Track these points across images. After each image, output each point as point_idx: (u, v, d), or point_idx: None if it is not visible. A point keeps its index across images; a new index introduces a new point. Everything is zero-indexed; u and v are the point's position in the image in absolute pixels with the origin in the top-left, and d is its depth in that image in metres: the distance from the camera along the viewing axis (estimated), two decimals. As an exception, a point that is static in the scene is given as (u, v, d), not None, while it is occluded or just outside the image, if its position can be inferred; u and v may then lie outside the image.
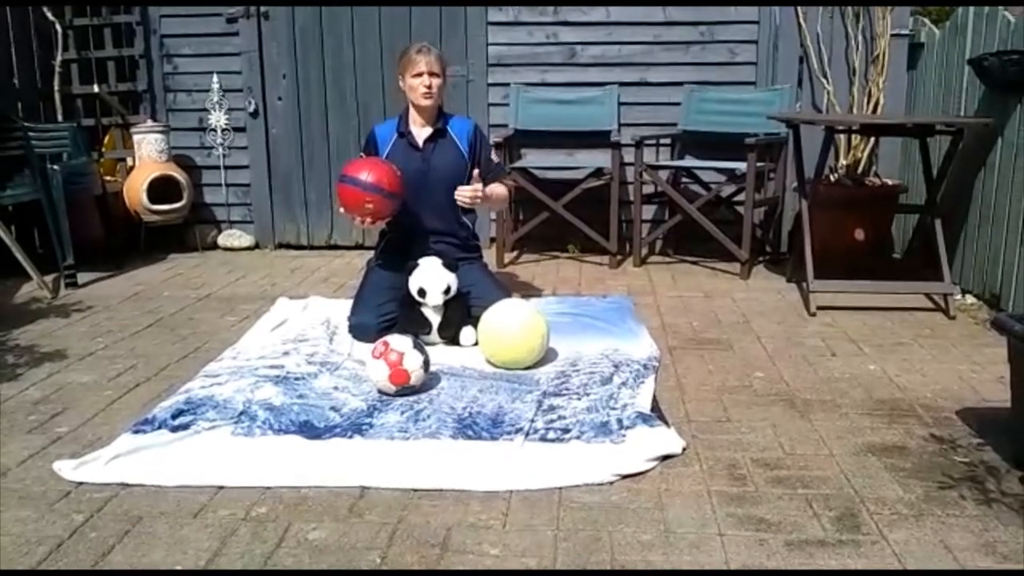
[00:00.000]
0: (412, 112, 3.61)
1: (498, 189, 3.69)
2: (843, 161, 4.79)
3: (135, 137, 5.11)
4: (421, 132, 3.61)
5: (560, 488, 2.20)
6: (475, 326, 3.24)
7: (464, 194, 3.45)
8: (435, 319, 3.33)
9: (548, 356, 3.15)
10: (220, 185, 5.42)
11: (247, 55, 5.21)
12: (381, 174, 3.31)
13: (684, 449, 2.42)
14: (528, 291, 4.29)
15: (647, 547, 1.93)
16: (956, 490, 2.19)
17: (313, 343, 3.33)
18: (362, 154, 3.66)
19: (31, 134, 4.55)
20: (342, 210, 3.40)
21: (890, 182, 4.67)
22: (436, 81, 3.51)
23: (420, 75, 3.48)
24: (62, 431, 2.60)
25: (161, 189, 5.05)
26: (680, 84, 4.98)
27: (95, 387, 2.98)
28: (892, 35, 4.75)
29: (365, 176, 3.29)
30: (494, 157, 3.74)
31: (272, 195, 5.39)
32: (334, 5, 5.09)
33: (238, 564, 1.88)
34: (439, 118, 3.62)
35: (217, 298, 4.23)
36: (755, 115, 4.70)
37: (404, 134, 3.60)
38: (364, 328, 3.37)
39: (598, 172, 4.84)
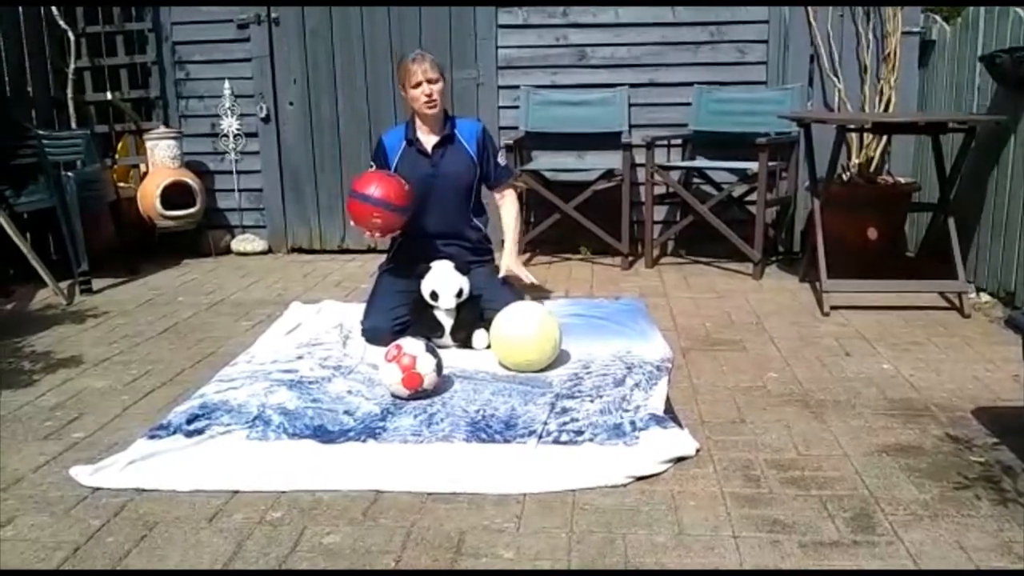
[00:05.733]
0: (418, 120, 3.62)
1: (511, 223, 3.79)
2: (855, 160, 4.77)
3: (148, 143, 5.14)
4: (429, 138, 3.62)
5: (574, 490, 2.20)
6: (487, 329, 3.25)
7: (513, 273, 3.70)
8: (447, 322, 3.34)
9: (561, 358, 3.15)
10: (233, 190, 5.44)
11: (258, 61, 5.23)
12: (388, 188, 3.35)
13: (698, 451, 2.41)
14: (540, 293, 4.29)
15: (661, 549, 1.93)
16: (972, 490, 2.18)
17: (326, 347, 3.34)
18: (372, 164, 3.67)
19: (45, 142, 4.59)
20: (353, 223, 3.45)
21: (903, 180, 4.65)
22: (436, 87, 3.51)
23: (419, 84, 3.49)
24: (78, 437, 2.61)
25: (174, 195, 5.08)
26: (690, 84, 4.97)
27: (110, 392, 3.00)
28: (903, 33, 4.73)
29: (372, 191, 3.34)
30: (501, 160, 3.75)
31: (284, 199, 5.41)
32: (345, 5, 5.11)
33: (253, 568, 1.89)
34: (446, 123, 3.63)
35: (231, 303, 4.25)
36: (766, 114, 4.69)
37: (412, 141, 3.61)
38: (377, 332, 3.38)
39: (609, 173, 4.84)
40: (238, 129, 5.35)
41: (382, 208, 3.32)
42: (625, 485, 2.23)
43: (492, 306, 3.30)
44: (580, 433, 2.51)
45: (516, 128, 5.06)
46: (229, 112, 5.32)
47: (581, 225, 4.83)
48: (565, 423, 2.58)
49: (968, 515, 2.06)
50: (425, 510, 2.13)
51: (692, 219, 4.75)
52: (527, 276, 3.72)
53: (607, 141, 4.96)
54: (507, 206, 3.79)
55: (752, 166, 4.49)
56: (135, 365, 3.30)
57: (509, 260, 3.71)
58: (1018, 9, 3.77)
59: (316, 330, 3.58)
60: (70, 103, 5.22)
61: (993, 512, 2.07)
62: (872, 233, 4.31)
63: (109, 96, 5.33)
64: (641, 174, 4.88)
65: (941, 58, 4.68)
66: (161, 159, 5.11)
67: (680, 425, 2.56)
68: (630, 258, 4.87)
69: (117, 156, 5.41)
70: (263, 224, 5.48)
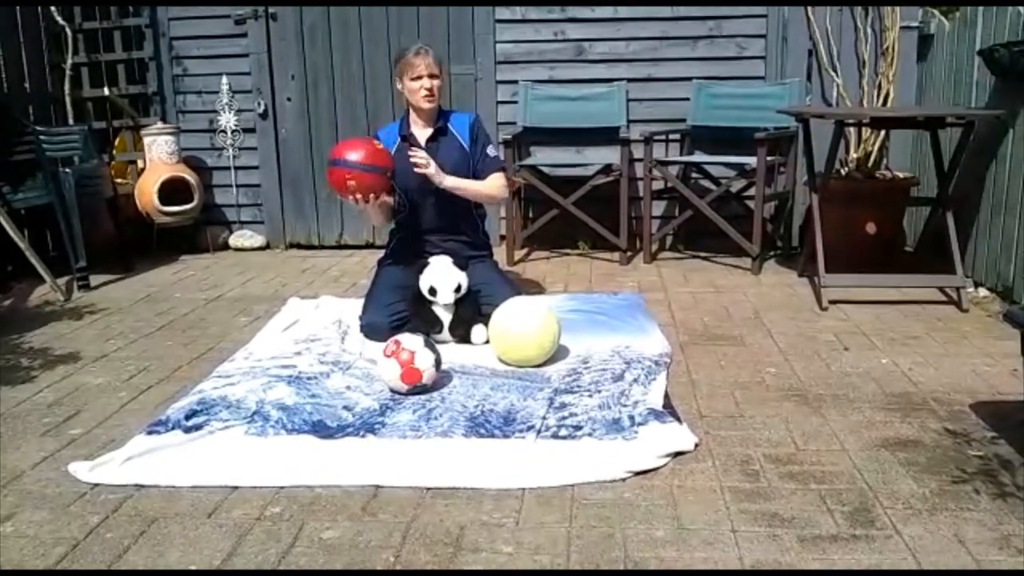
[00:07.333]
0: (412, 114, 3.62)
1: (476, 185, 3.59)
2: (854, 154, 4.76)
3: (146, 139, 5.13)
4: (423, 132, 3.62)
5: (573, 485, 2.20)
6: (486, 324, 3.25)
7: (417, 156, 3.40)
8: (446, 318, 3.34)
9: (559, 353, 3.15)
10: (231, 186, 5.44)
11: (256, 56, 5.23)
12: (356, 148, 3.32)
13: (696, 445, 2.41)
14: (538, 289, 4.29)
15: (660, 544, 1.93)
16: (970, 484, 2.18)
17: (325, 343, 3.34)
18: None
19: (42, 138, 4.58)
20: (338, 195, 3.41)
21: (901, 175, 4.64)
22: (436, 83, 3.51)
23: (419, 78, 3.49)
24: (76, 433, 2.61)
25: (172, 191, 5.08)
26: (688, 79, 4.97)
27: (109, 389, 3.00)
28: (901, 27, 4.71)
29: (345, 154, 3.31)
30: (491, 151, 3.69)
31: (282, 195, 5.40)
32: (342, 5, 5.10)
33: (252, 564, 1.89)
34: (439, 117, 3.63)
35: (229, 299, 4.25)
36: (764, 109, 4.68)
37: (406, 136, 3.61)
38: (375, 327, 3.37)
39: (607, 169, 4.83)
40: (236, 125, 5.34)
41: (356, 170, 3.27)
42: (624, 480, 2.23)
43: (490, 301, 3.31)
44: (579, 428, 2.50)
45: (514, 123, 5.06)
46: (227, 108, 5.31)
47: (579, 220, 4.82)
48: (564, 418, 2.58)
49: (967, 509, 2.06)
50: (424, 505, 2.13)
51: (690, 214, 4.75)
52: (423, 162, 3.41)
53: (605, 136, 4.95)
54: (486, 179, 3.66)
55: (750, 161, 4.48)
56: (133, 361, 3.30)
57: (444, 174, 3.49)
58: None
59: (314, 326, 3.58)
60: (67, 99, 5.21)
61: (992, 506, 2.07)
62: (870, 228, 4.31)
63: (106, 92, 5.32)
64: (639, 169, 4.88)
65: (940, 52, 4.68)
66: (159, 155, 5.10)
67: (679, 420, 2.56)
68: (628, 253, 4.87)
69: (115, 152, 5.40)
70: (261, 220, 5.48)
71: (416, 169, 3.39)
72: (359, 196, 3.32)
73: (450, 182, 3.49)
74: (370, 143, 3.39)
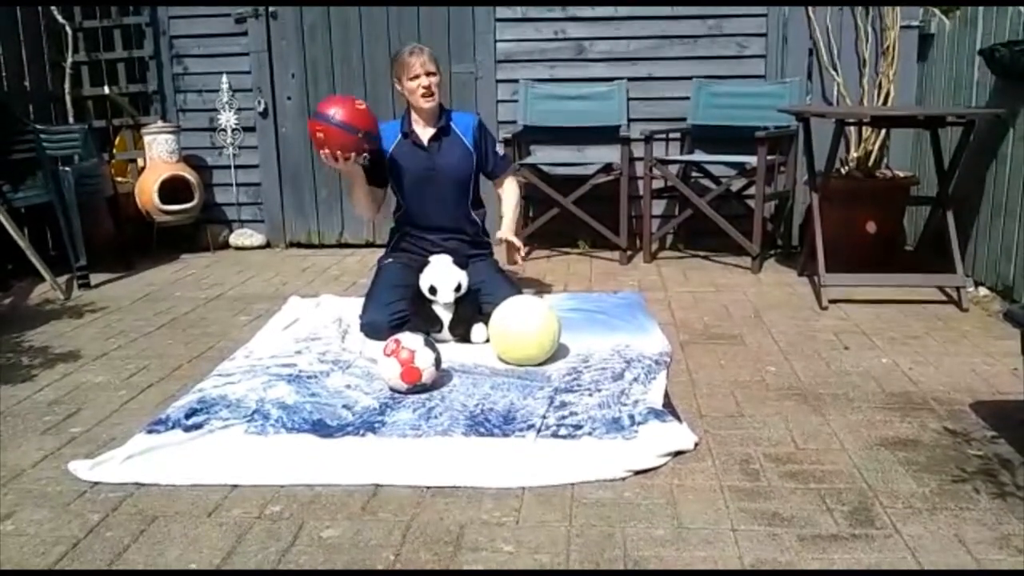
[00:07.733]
0: (413, 113, 3.62)
1: (512, 202, 3.82)
2: (854, 153, 4.76)
3: (146, 138, 5.13)
4: (425, 131, 3.62)
5: (572, 484, 2.20)
6: (486, 323, 3.25)
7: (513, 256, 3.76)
8: (446, 316, 3.34)
9: (559, 352, 3.15)
10: (231, 185, 5.44)
11: (256, 55, 5.22)
12: (335, 104, 3.37)
13: (696, 444, 2.41)
14: (539, 288, 4.29)
15: (660, 543, 1.93)
16: (970, 483, 2.18)
17: (325, 342, 3.34)
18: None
19: (42, 136, 4.58)
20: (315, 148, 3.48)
21: (901, 174, 4.64)
22: (434, 80, 3.52)
23: (417, 77, 3.49)
24: (76, 431, 2.61)
25: (172, 190, 5.08)
26: (689, 78, 4.96)
27: (109, 387, 3.00)
28: (902, 26, 4.72)
29: (323, 108, 3.36)
30: (500, 150, 3.75)
31: (283, 194, 5.41)
32: (342, 4, 5.10)
33: (252, 563, 1.89)
34: (441, 116, 3.63)
35: (229, 298, 4.25)
36: (765, 108, 4.68)
37: (408, 134, 3.61)
38: (375, 326, 3.37)
39: (607, 167, 4.83)
40: (236, 123, 5.34)
41: (327, 124, 3.30)
42: (624, 479, 2.23)
43: (491, 300, 3.31)
44: (579, 427, 2.51)
45: (514, 122, 5.06)
46: (227, 106, 5.31)
47: (580, 219, 4.83)
48: (564, 417, 2.58)
49: (966, 508, 2.06)
50: (424, 504, 2.13)
51: (690, 213, 4.75)
52: (519, 245, 3.75)
53: (605, 135, 4.95)
54: (508, 191, 3.82)
55: (751, 160, 4.48)
56: (133, 360, 3.30)
57: (506, 230, 3.73)
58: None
59: (314, 324, 3.58)
60: (67, 97, 5.21)
61: (991, 505, 2.07)
62: (871, 227, 4.31)
63: (107, 90, 5.31)
64: (640, 168, 4.88)
65: (940, 52, 4.68)
66: (159, 154, 5.10)
67: (679, 419, 2.56)
68: (628, 252, 4.87)
69: (115, 151, 5.40)
70: (261, 219, 5.48)
71: (515, 266, 3.76)
72: (327, 152, 3.35)
73: (511, 231, 3.75)
74: (350, 102, 3.41)
